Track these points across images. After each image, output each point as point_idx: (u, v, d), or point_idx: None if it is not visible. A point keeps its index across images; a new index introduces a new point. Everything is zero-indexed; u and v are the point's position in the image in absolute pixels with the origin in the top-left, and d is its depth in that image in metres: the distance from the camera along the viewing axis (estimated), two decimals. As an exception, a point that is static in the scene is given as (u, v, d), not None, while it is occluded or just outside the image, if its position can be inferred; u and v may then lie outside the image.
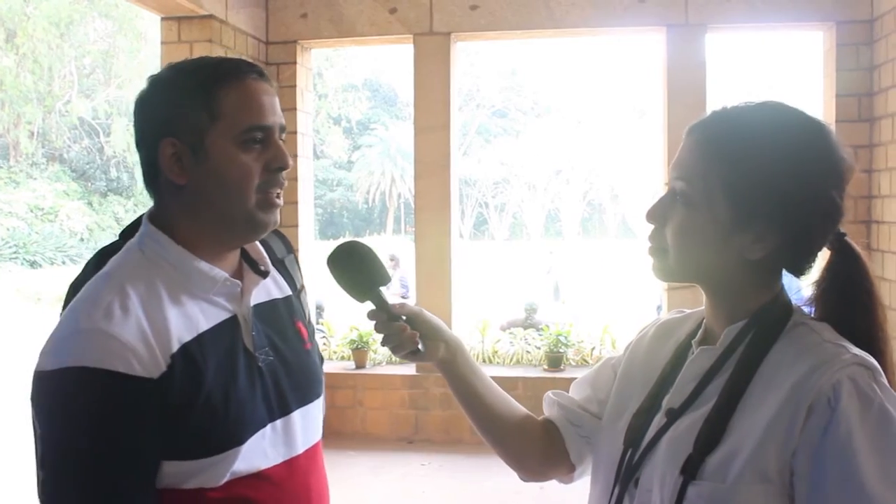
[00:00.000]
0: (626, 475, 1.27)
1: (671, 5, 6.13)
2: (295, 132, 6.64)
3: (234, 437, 1.33)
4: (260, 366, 1.41)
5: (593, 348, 6.91)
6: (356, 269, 1.40)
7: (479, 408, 1.50)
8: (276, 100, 1.42)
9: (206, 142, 1.35)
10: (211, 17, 5.57)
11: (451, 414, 6.46)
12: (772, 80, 36.01)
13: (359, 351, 6.86)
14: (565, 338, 6.68)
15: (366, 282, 1.40)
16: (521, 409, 1.53)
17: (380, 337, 1.40)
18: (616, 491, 1.28)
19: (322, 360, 1.78)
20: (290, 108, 6.63)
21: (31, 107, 29.20)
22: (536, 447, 1.50)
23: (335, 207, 43.28)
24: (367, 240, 35.99)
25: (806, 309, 1.28)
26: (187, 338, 1.31)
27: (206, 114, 1.34)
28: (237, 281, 1.42)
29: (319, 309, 9.45)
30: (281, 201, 1.42)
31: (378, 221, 44.50)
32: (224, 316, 1.40)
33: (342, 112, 38.74)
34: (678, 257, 1.25)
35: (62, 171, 31.32)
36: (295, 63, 6.64)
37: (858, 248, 1.26)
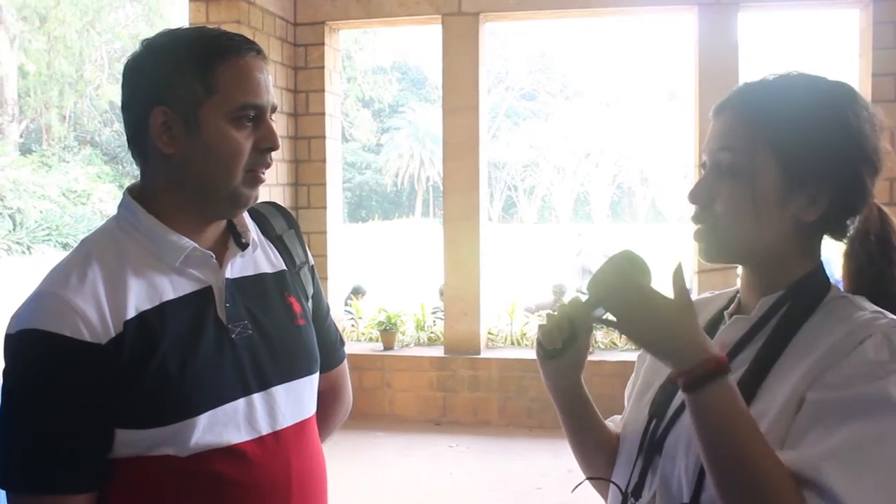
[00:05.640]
0: (651, 446, 1.26)
1: (703, -16, 6.04)
2: (323, 113, 6.64)
3: (190, 408, 1.33)
4: (233, 338, 1.40)
5: (622, 331, 6.86)
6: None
7: (581, 435, 1.44)
8: (270, 79, 1.42)
9: (200, 115, 1.35)
10: (239, -2, 5.58)
11: (479, 396, 6.47)
12: (806, 60, 35.48)
13: (387, 332, 6.88)
14: (594, 320, 6.63)
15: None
16: (613, 433, 1.46)
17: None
18: (640, 461, 1.27)
19: (342, 341, 1.75)
20: (317, 90, 6.63)
21: (63, 91, 29.49)
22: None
23: (364, 190, 43.35)
24: (395, 223, 35.78)
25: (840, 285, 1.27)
26: (147, 306, 1.33)
27: (202, 86, 1.34)
28: (209, 252, 1.41)
29: (357, 292, 9.42)
30: (265, 178, 1.43)
31: (407, 205, 44.52)
32: (195, 287, 1.40)
33: (372, 94, 38.75)
34: (731, 232, 1.22)
35: (94, 154, 31.63)
36: (323, 44, 6.63)
37: (885, 208, 1.26)
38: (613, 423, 1.48)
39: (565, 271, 19.30)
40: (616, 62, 42.45)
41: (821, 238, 1.25)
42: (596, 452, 1.44)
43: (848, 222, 1.24)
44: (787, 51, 37.97)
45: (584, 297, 1.29)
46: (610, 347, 6.66)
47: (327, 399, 1.68)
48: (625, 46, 42.21)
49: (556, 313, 1.31)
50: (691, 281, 6.85)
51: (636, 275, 1.23)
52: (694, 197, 1.25)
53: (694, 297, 1.50)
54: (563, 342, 1.31)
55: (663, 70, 41.35)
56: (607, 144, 41.09)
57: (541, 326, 1.33)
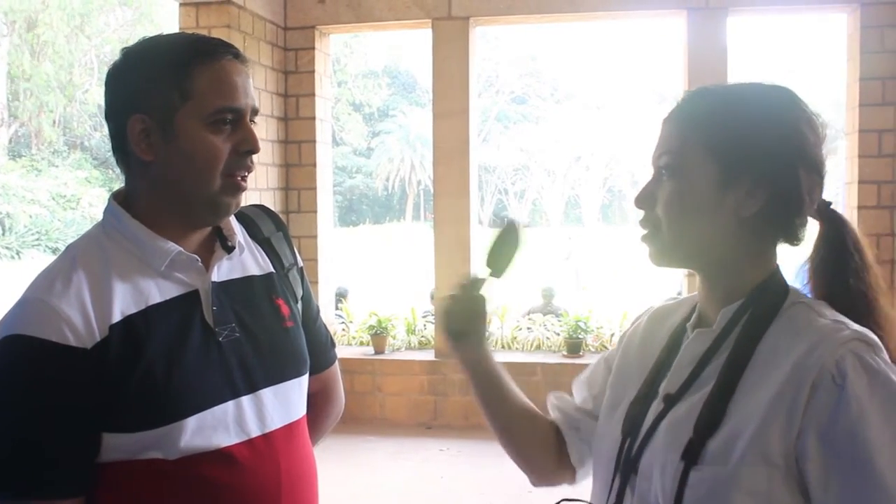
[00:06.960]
0: (626, 465, 1.24)
1: (692, -12, 6.07)
2: (313, 118, 6.64)
3: (178, 411, 1.32)
4: (220, 341, 1.40)
5: (612, 334, 6.88)
6: (511, 249, 1.46)
7: (501, 410, 1.51)
8: (250, 81, 1.42)
9: (176, 121, 1.35)
10: (229, 2, 5.56)
11: (470, 400, 6.39)
12: (794, 64, 35.64)
13: (378, 336, 6.87)
14: (584, 324, 6.65)
15: (507, 263, 1.46)
16: (539, 413, 1.52)
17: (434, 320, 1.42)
18: (616, 482, 1.25)
19: (333, 343, 1.76)
20: (308, 94, 6.63)
21: (53, 95, 29.37)
22: (550, 452, 1.47)
23: (354, 194, 43.27)
24: (386, 227, 35.65)
25: (803, 287, 1.27)
26: (132, 310, 1.33)
27: (177, 92, 1.34)
28: (194, 256, 1.41)
29: (341, 295, 9.43)
30: (247, 184, 1.43)
31: (397, 208, 44.47)
32: (182, 290, 1.40)
33: (363, 98, 38.74)
34: (672, 230, 1.23)
35: (84, 158, 31.49)
36: (313, 48, 6.63)
37: (844, 215, 1.26)
38: (559, 400, 1.50)
39: (557, 274, 19.29)
40: (606, 66, 42.56)
41: (774, 242, 1.25)
42: (529, 443, 1.48)
43: (798, 223, 1.23)
44: (776, 55, 38.13)
45: (482, 275, 1.44)
46: (600, 350, 6.67)
47: (319, 401, 1.68)
48: (615, 50, 42.32)
49: (458, 294, 1.43)
50: (681, 284, 6.87)
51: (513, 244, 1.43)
52: (637, 201, 1.27)
53: (656, 302, 1.51)
54: (467, 321, 1.44)
55: (653, 74, 41.44)
56: (598, 148, 41.12)
57: (447, 312, 1.43)
